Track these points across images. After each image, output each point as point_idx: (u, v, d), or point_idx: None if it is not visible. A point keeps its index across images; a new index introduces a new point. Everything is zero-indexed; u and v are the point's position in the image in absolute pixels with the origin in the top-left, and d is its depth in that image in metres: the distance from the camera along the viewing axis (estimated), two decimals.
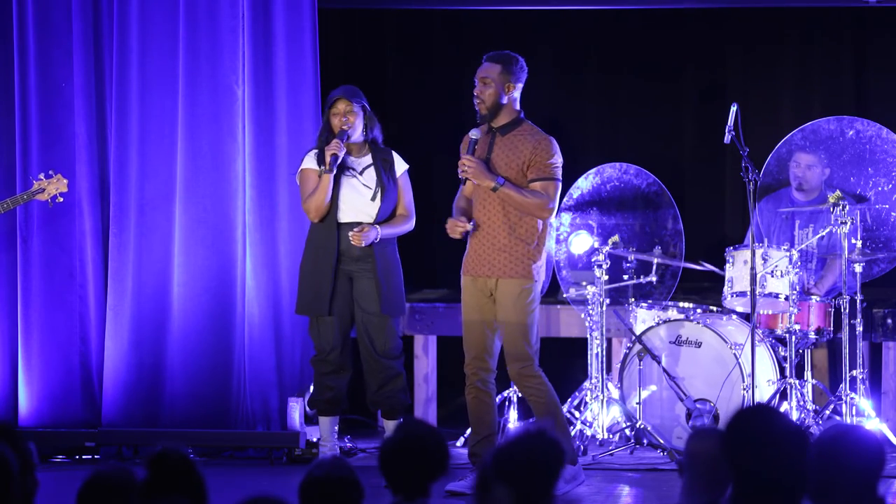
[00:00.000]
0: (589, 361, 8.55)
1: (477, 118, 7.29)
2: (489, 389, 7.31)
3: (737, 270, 8.28)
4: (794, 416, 8.12)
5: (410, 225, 7.82)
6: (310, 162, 7.73)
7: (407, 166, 7.85)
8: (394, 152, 7.83)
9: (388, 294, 7.65)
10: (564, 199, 8.81)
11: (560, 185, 7.30)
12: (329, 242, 7.65)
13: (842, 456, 3.62)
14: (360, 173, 7.71)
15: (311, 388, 7.98)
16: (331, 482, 3.70)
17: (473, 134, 7.27)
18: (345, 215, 7.66)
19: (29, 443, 4.02)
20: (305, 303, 7.74)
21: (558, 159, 7.27)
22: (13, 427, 4.04)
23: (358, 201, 7.68)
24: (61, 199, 8.13)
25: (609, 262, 8.50)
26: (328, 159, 7.58)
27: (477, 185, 7.24)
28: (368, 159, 7.76)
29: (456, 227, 7.23)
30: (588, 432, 8.34)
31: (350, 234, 7.62)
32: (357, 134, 7.75)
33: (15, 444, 3.88)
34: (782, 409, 8.25)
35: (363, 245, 7.59)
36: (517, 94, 7.31)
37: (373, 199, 7.67)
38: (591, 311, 8.52)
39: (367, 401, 7.82)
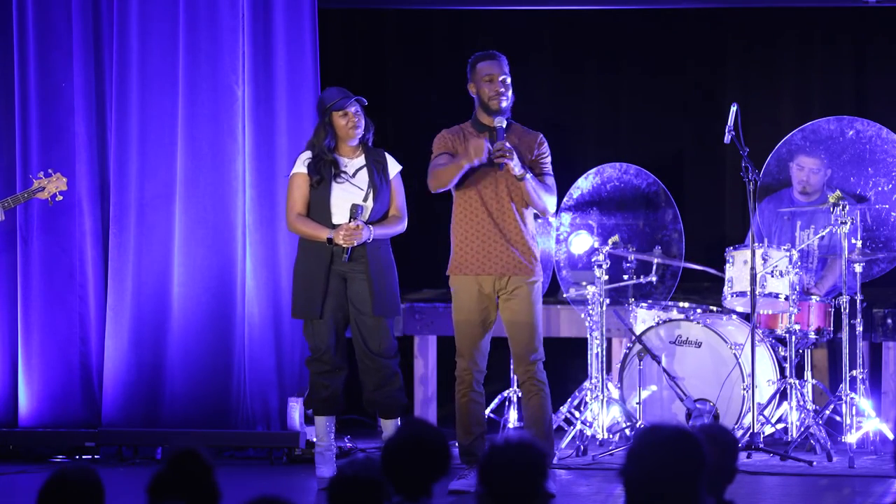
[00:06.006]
0: (589, 361, 8.55)
1: (504, 114, 7.22)
2: (481, 390, 7.31)
3: (737, 270, 8.28)
4: (794, 416, 8.12)
5: (403, 226, 7.72)
6: (301, 167, 7.67)
7: (400, 167, 7.75)
8: (386, 153, 7.76)
9: (381, 295, 7.56)
10: (564, 199, 8.81)
11: None
12: (322, 245, 7.58)
13: (657, 460, 3.56)
14: (353, 175, 7.65)
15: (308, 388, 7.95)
16: (358, 482, 3.72)
17: (499, 122, 7.21)
18: (337, 218, 7.59)
19: None
20: (299, 307, 7.69)
21: None
22: None
23: (350, 203, 7.58)
24: (61, 198, 8.13)
25: (609, 262, 8.50)
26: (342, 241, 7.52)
27: (485, 182, 7.20)
28: (361, 160, 7.69)
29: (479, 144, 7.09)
30: (588, 432, 8.33)
31: (335, 233, 7.52)
32: (360, 133, 7.68)
33: None
34: (781, 410, 8.27)
35: (355, 244, 7.52)
36: None
37: (364, 200, 7.60)
38: (591, 311, 8.51)
39: (363, 401, 7.79)
